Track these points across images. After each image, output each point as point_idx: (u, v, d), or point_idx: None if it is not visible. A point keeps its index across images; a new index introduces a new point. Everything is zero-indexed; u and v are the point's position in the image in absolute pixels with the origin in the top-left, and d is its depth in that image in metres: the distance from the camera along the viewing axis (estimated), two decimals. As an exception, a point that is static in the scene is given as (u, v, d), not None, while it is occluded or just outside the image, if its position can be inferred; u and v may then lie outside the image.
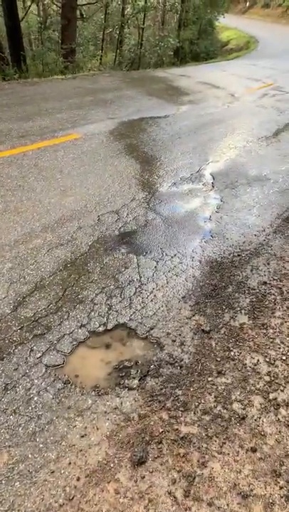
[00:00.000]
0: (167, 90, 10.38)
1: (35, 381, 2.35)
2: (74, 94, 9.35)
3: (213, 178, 5.20)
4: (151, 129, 6.96)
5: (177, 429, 2.10)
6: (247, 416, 2.19)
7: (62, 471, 1.89)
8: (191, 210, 4.38)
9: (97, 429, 2.09)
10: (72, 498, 1.79)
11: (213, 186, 5.00)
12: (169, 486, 1.85)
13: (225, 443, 2.05)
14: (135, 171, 5.19)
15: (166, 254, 3.57)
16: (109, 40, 23.05)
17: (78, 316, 2.83)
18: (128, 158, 5.58)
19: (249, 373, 2.46)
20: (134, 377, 2.40)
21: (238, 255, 3.63)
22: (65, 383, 2.35)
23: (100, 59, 19.35)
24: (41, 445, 2.01)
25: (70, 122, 7.03)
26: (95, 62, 18.25)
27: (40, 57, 14.28)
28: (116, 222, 4.01)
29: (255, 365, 2.52)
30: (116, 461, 1.94)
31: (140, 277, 3.25)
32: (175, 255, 3.57)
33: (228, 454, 2.00)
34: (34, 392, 2.28)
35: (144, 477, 1.88)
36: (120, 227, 3.92)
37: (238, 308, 2.98)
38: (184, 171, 5.34)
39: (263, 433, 2.11)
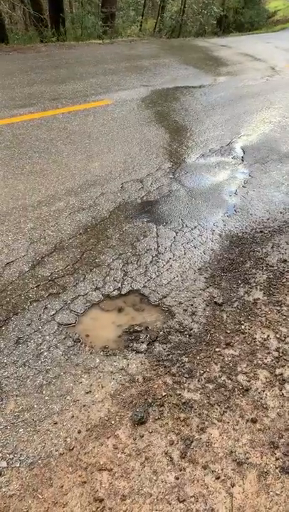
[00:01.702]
0: (206, 60, 10.08)
1: (47, 337, 2.42)
2: (110, 59, 9.21)
3: (244, 152, 5.08)
4: (185, 99, 6.81)
5: (180, 395, 2.13)
6: (251, 388, 2.20)
7: (64, 423, 1.96)
8: (217, 183, 4.31)
9: (102, 387, 2.15)
10: (72, 448, 1.86)
11: (242, 160, 4.88)
12: (166, 446, 1.90)
13: (226, 412, 2.07)
14: (164, 140, 5.12)
15: (186, 226, 3.54)
16: (151, 6, 22.38)
17: (94, 279, 2.87)
18: (158, 127, 5.50)
19: (258, 347, 2.45)
20: (142, 342, 2.44)
21: (261, 232, 3.57)
22: (75, 341, 2.41)
23: (140, 25, 18.86)
24: (47, 397, 2.08)
25: (102, 88, 6.96)
26: (135, 28, 17.81)
27: (79, 21, 14.02)
28: (139, 190, 3.99)
29: (264, 340, 2.51)
30: (117, 419, 2.00)
31: (158, 246, 3.25)
32: (195, 227, 3.54)
33: (228, 422, 2.03)
34: (44, 347, 2.35)
35: (142, 436, 1.93)
36: (143, 196, 3.90)
37: (254, 284, 2.95)
38: (213, 143, 5.23)
39: (265, 406, 2.12)
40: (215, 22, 21.66)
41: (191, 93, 7.17)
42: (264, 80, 8.67)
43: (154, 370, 2.26)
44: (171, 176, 4.33)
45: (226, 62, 10.04)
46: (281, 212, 3.90)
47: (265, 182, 4.42)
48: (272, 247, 3.36)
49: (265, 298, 2.84)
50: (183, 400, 2.10)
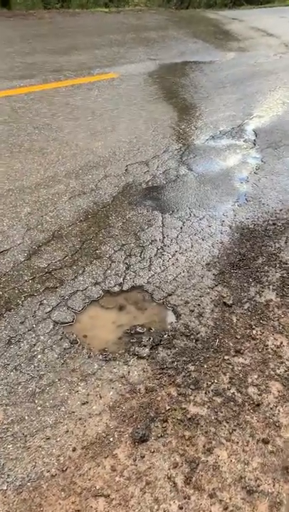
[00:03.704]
0: (216, 34, 9.61)
1: (41, 337, 2.22)
2: (116, 29, 8.76)
3: (256, 135, 4.80)
4: (194, 75, 6.46)
5: (185, 409, 1.95)
6: (262, 403, 2.02)
7: (58, 439, 1.78)
8: (227, 169, 4.05)
9: (100, 397, 1.96)
10: (66, 469, 1.68)
11: (254, 144, 4.61)
12: (169, 469, 1.72)
13: (235, 430, 1.89)
14: (171, 120, 4.83)
15: (194, 215, 3.31)
16: (160, -26, 21.41)
17: (94, 273, 2.66)
18: (165, 105, 5.19)
19: (270, 356, 2.26)
20: (145, 345, 2.24)
21: (273, 224, 3.34)
22: (72, 343, 2.21)
23: (148, -6, 18.04)
24: (39, 408, 1.89)
25: (108, 60, 6.59)
26: (143, -4, 17.03)
27: (85, -13, 13.34)
28: (144, 174, 3.74)
29: (277, 347, 2.31)
30: (116, 436, 1.82)
31: (163, 237, 3.02)
32: (204, 217, 3.31)
33: (238, 442, 1.85)
34: (39, 349, 2.16)
35: (144, 457, 1.75)
36: (148, 181, 3.65)
37: (266, 283, 2.74)
38: (224, 124, 4.94)
39: (277, 424, 1.94)
40: (226, -7, 20.76)
41: (201, 69, 6.80)
42: (277, 57, 8.26)
43: (157, 379, 2.07)
44: (178, 159, 4.06)
45: (237, 37, 9.58)
46: (295, 203, 3.66)
47: (278, 168, 4.16)
48: (285, 242, 3.14)
49: (278, 299, 2.63)
50: (188, 416, 1.92)
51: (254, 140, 4.67)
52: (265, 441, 1.86)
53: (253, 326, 2.42)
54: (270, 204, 3.59)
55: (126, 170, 3.75)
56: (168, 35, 8.84)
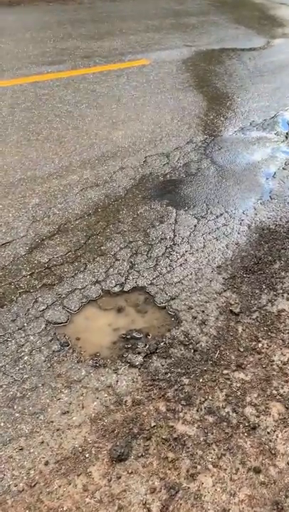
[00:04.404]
0: (260, 19, 9.15)
1: (31, 337, 2.12)
2: (155, 15, 8.49)
3: (289, 128, 4.50)
4: (231, 62, 6.15)
5: (172, 427, 1.79)
6: (259, 426, 1.84)
7: (31, 450, 1.68)
8: (254, 163, 3.80)
9: (83, 407, 1.84)
10: (35, 485, 1.58)
11: (286, 137, 4.31)
12: (146, 494, 1.58)
13: (224, 455, 1.72)
14: (200, 109, 4.59)
15: (210, 212, 3.11)
16: None
17: (95, 271, 2.53)
18: (195, 93, 4.95)
19: (274, 373, 2.06)
20: (139, 353, 2.09)
21: (297, 225, 3.09)
22: (62, 345, 2.10)
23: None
24: (17, 414, 1.80)
25: (142, 46, 6.38)
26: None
27: None
28: (163, 166, 3.55)
29: (284, 364, 2.11)
30: (93, 452, 1.69)
31: (174, 236, 2.85)
32: (221, 215, 3.10)
33: (226, 469, 1.68)
34: (26, 350, 2.06)
35: (120, 477, 1.62)
36: (166, 173, 3.47)
37: (281, 291, 2.53)
38: (256, 115, 4.65)
39: (273, 451, 1.75)
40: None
41: (239, 56, 6.47)
42: None
43: (146, 391, 1.92)
44: (202, 151, 3.85)
45: (282, 23, 9.08)
46: None
47: (309, 165, 3.87)
48: (308, 246, 2.90)
49: (292, 309, 2.42)
50: (174, 435, 1.77)
51: (287, 133, 4.37)
52: (257, 470, 1.68)
53: (260, 338, 2.22)
54: (296, 203, 3.33)
55: (144, 161, 3.59)
56: (208, 20, 8.49)
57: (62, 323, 2.22)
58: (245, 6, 10.23)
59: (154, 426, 1.79)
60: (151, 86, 5.03)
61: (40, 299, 2.32)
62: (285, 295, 2.50)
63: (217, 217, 3.08)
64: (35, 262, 2.54)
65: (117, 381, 1.96)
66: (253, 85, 5.44)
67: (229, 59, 6.32)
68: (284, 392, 1.98)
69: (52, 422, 1.78)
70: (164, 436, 1.76)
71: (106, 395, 1.90)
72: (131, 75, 5.29)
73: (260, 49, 7.01)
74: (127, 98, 4.64)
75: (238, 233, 2.95)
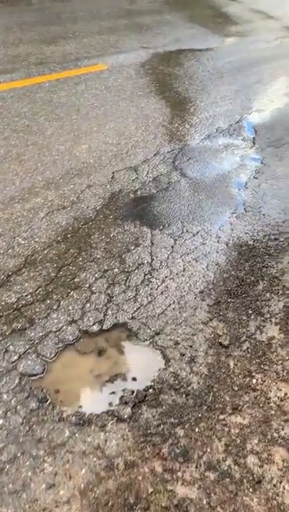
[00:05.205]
0: (214, 17, 9.08)
1: (4, 396, 1.89)
2: (107, 15, 8.25)
3: (256, 133, 4.40)
4: (190, 64, 6.01)
5: (171, 491, 1.62)
6: (264, 478, 1.69)
7: (15, 540, 1.47)
8: (224, 173, 3.68)
9: (70, 478, 1.64)
10: None
11: (254, 143, 4.22)
12: None
13: (231, 518, 1.57)
14: (164, 116, 4.43)
15: (187, 231, 2.95)
16: None
17: (70, 308, 2.31)
18: (158, 99, 4.78)
19: (273, 412, 1.93)
20: (126, 403, 1.91)
21: (275, 239, 2.98)
22: (40, 402, 1.88)
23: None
24: (-4, 495, 1.57)
25: (97, 49, 6.14)
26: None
27: None
28: (132, 182, 3.37)
29: (281, 400, 1.98)
30: (86, 533, 1.50)
31: (152, 260, 2.67)
32: (198, 233, 2.95)
33: (234, 535, 1.53)
34: (0, 412, 1.83)
35: None
36: (136, 190, 3.29)
37: (268, 315, 2.40)
38: (221, 121, 4.54)
39: (282, 507, 1.62)
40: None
41: (197, 57, 6.35)
42: (278, 42, 7.76)
43: (139, 449, 1.74)
44: (170, 163, 3.69)
45: (235, 21, 9.05)
46: (299, 212, 3.30)
47: (280, 172, 3.78)
48: (289, 262, 2.79)
49: (282, 336, 2.29)
50: (175, 501, 1.59)
51: (253, 138, 4.28)
52: (268, 533, 1.54)
53: (253, 373, 2.08)
54: (271, 215, 3.22)
55: (112, 177, 3.39)
56: (162, 20, 8.33)
57: (38, 374, 2.00)
58: (198, 4, 10.14)
59: (152, 492, 1.61)
60: (111, 93, 4.82)
61: (11, 347, 2.09)
62: (273, 319, 2.38)
63: (194, 235, 2.92)
64: (2, 303, 2.30)
65: (106, 440, 1.77)
66: (214, 88, 5.33)
67: (188, 60, 6.19)
68: (285, 434, 1.85)
69: (36, 500, 1.57)
70: (163, 504, 1.58)
71: (95, 459, 1.70)
72: (89, 81, 5.06)
73: (217, 49, 6.93)
74: (87, 108, 4.41)
75: (217, 252, 2.81)
